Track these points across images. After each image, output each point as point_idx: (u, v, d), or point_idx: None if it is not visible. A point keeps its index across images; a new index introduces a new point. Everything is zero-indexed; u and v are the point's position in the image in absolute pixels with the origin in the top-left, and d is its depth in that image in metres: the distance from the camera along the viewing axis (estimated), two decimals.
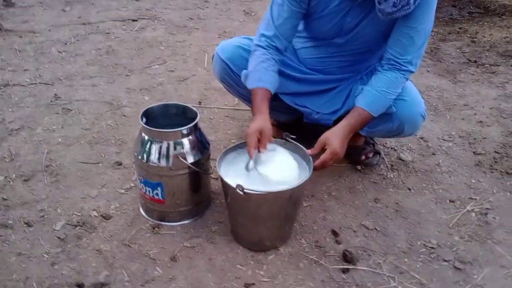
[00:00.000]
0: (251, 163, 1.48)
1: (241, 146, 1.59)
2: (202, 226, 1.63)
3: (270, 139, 1.54)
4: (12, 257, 1.47)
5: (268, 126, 1.54)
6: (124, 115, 2.30)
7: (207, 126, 2.23)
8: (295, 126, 1.98)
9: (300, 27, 1.79)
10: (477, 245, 1.59)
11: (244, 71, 1.69)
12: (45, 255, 1.48)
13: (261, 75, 1.62)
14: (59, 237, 1.55)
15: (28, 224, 1.60)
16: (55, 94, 2.46)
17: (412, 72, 1.63)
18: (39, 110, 2.32)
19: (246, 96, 1.89)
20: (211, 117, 2.32)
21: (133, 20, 3.55)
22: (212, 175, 1.75)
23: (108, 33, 3.30)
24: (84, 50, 3.02)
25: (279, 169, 1.50)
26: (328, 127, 1.66)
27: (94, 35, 3.26)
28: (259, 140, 1.51)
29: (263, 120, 1.54)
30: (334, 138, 1.55)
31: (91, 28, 3.38)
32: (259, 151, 1.51)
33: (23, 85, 2.56)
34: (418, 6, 1.50)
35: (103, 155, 1.99)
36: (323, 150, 1.55)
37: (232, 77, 1.82)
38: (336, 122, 1.68)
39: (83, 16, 3.61)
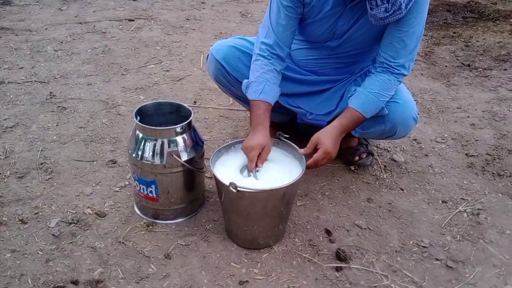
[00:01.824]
0: (250, 175, 1.51)
1: (235, 144, 1.61)
2: (196, 224, 1.64)
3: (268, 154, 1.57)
4: (7, 254, 1.47)
5: (270, 143, 1.56)
6: (119, 114, 2.30)
7: (202, 125, 2.24)
8: (288, 126, 2.00)
9: None
10: (469, 245, 1.61)
11: (245, 81, 1.68)
12: (39, 252, 1.48)
13: (264, 88, 1.62)
14: (53, 234, 1.55)
15: (23, 221, 1.60)
16: (50, 92, 2.46)
17: (405, 75, 1.64)
18: (34, 108, 2.32)
19: (240, 96, 1.90)
20: (206, 117, 2.33)
21: (130, 20, 3.56)
22: (206, 174, 1.76)
23: (105, 32, 3.31)
24: (80, 49, 3.02)
25: (274, 170, 1.53)
26: (321, 127, 1.68)
27: (90, 34, 3.26)
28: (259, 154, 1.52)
29: (264, 137, 1.55)
30: (326, 138, 1.56)
31: (88, 27, 3.39)
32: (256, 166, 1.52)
33: (19, 83, 2.56)
34: (409, 10, 1.52)
35: (97, 153, 1.99)
36: (315, 149, 1.57)
37: (226, 77, 1.83)
38: (329, 123, 1.69)
39: (79, 15, 3.62)
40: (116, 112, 2.32)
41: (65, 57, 2.91)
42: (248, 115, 2.34)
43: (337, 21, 1.63)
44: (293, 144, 1.58)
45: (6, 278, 1.39)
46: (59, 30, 3.33)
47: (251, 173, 1.50)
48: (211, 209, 1.72)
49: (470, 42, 3.43)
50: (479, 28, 3.71)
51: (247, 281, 1.43)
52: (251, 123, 1.62)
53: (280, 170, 1.52)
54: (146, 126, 1.51)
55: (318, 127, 1.72)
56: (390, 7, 1.47)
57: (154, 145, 1.51)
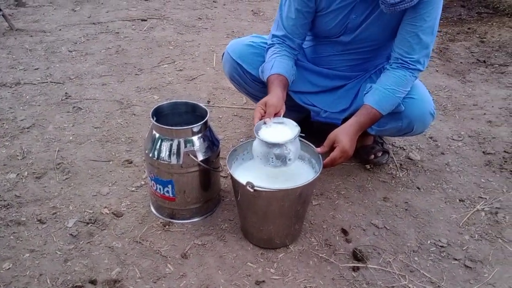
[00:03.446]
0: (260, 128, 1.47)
1: (250, 144, 1.60)
2: (212, 224, 1.64)
3: (278, 112, 1.52)
4: (26, 254, 1.49)
5: (273, 100, 1.52)
6: (134, 114, 2.31)
7: (216, 125, 2.24)
8: (303, 125, 1.99)
9: None
10: (487, 244, 1.59)
11: (260, 67, 1.72)
12: (58, 252, 1.50)
13: (274, 64, 1.65)
14: (71, 234, 1.57)
15: (41, 221, 1.62)
16: (66, 93, 2.49)
17: (420, 70, 1.63)
18: (50, 109, 2.34)
19: (255, 95, 1.90)
20: (220, 116, 2.33)
21: (143, 20, 3.58)
22: (221, 173, 1.76)
23: (118, 32, 3.33)
24: (94, 50, 3.04)
25: (278, 134, 1.48)
26: (336, 126, 1.66)
27: (104, 35, 3.29)
28: (265, 113, 1.51)
29: (270, 96, 1.55)
30: (344, 136, 1.55)
31: (101, 27, 3.41)
32: (265, 123, 1.49)
33: (34, 84, 2.58)
34: (424, 5, 1.50)
35: (113, 153, 2.01)
36: (332, 148, 1.55)
37: (242, 76, 1.83)
38: (344, 121, 1.68)
39: (93, 16, 3.65)
40: (131, 112, 2.33)
41: (79, 58, 2.93)
42: None
43: (349, 13, 1.62)
44: (309, 143, 1.57)
45: (25, 277, 1.41)
46: (72, 30, 3.36)
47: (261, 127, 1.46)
48: (227, 209, 1.72)
49: (485, 38, 3.38)
50: (494, 23, 3.65)
51: (263, 281, 1.43)
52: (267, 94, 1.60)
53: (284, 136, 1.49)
54: (163, 126, 1.52)
55: (333, 126, 1.72)
56: None
57: (171, 145, 1.52)
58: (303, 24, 1.68)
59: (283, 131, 1.48)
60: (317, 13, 1.67)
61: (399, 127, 1.73)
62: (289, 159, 1.44)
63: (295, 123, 1.50)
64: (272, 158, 1.43)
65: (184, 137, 1.52)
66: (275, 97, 1.55)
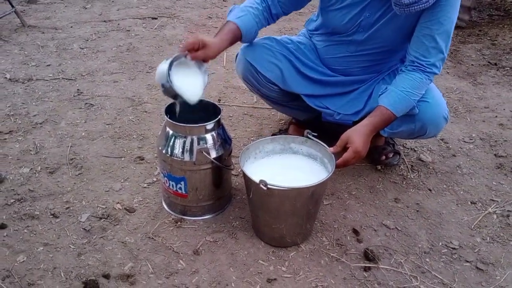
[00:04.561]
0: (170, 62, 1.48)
1: (263, 143, 1.61)
2: (224, 221, 1.65)
3: (205, 58, 1.56)
4: (40, 247, 1.50)
5: (214, 44, 1.55)
6: (146, 111, 2.33)
7: (226, 123, 2.25)
8: (314, 124, 1.99)
9: (319, 22, 1.80)
10: (499, 247, 1.59)
11: (231, 6, 1.74)
12: (71, 246, 1.51)
13: (244, 16, 1.66)
14: (84, 229, 1.58)
15: (54, 215, 1.63)
16: (78, 89, 2.51)
17: (436, 74, 1.62)
18: (62, 105, 2.36)
19: (268, 96, 1.90)
20: (230, 115, 2.34)
21: (153, 18, 3.59)
22: (232, 172, 1.77)
23: (129, 30, 3.34)
24: (105, 47, 3.06)
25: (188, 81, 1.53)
26: (347, 126, 1.66)
27: (115, 32, 3.30)
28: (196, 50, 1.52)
29: (212, 39, 1.56)
30: (357, 137, 1.54)
31: (112, 25, 3.43)
32: (185, 57, 1.51)
33: (46, 80, 2.60)
34: (441, 7, 1.50)
35: (125, 150, 2.02)
36: (345, 148, 1.55)
37: (255, 77, 1.83)
38: (356, 122, 1.68)
39: (103, 13, 3.67)
40: (142, 109, 2.34)
41: (90, 55, 2.95)
42: (273, 113, 2.35)
43: (362, 11, 1.62)
44: (321, 143, 1.57)
45: (39, 270, 1.42)
46: (84, 28, 3.38)
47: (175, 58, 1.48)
48: (238, 207, 1.72)
49: (496, 40, 3.37)
50: (505, 26, 3.64)
51: (275, 279, 1.43)
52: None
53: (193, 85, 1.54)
54: (177, 123, 1.52)
55: (344, 126, 1.72)
56: None
57: (184, 142, 1.53)
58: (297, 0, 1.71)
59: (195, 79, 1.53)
60: (329, 7, 1.68)
61: (411, 130, 1.73)
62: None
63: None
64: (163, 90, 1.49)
65: (198, 135, 1.53)
66: (217, 44, 1.57)
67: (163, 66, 1.48)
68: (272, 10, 1.71)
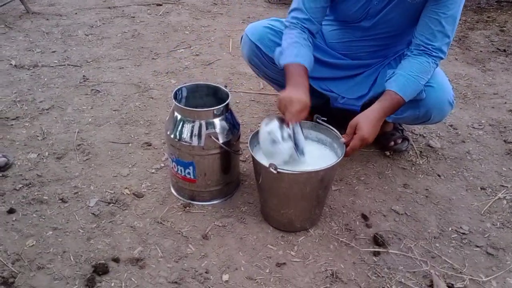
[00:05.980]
0: (288, 135, 1.41)
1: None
2: (232, 206, 1.65)
3: (303, 113, 1.47)
4: (49, 231, 1.50)
5: (299, 94, 1.45)
6: (152, 97, 2.31)
7: (233, 110, 2.22)
8: (323, 110, 1.97)
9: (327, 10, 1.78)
10: (509, 232, 1.58)
11: (278, 48, 1.66)
12: (80, 230, 1.51)
13: (299, 52, 1.58)
14: (93, 213, 1.58)
15: (63, 200, 1.63)
16: (84, 76, 2.49)
17: (442, 58, 1.60)
18: (68, 91, 2.35)
19: (274, 78, 1.88)
20: (237, 101, 2.32)
21: (158, 5, 3.56)
22: (240, 157, 1.76)
23: (134, 17, 3.32)
24: (110, 34, 3.04)
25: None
26: (355, 113, 1.64)
27: (119, 19, 3.28)
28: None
29: (306, 94, 1.47)
30: (364, 123, 1.51)
31: (117, 12, 3.41)
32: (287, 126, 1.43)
33: (52, 66, 2.59)
34: None
35: (132, 136, 2.01)
36: (355, 134, 1.53)
37: (260, 58, 1.81)
38: (363, 108, 1.66)
39: (108, 0, 3.63)
40: (148, 95, 2.33)
41: (96, 41, 2.93)
42: None
43: None
44: (331, 127, 1.56)
45: (49, 254, 1.42)
46: (88, 14, 3.36)
47: (289, 132, 1.41)
48: (246, 192, 1.72)
49: (505, 26, 3.32)
50: None
51: (284, 263, 1.43)
52: (288, 83, 1.53)
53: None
54: (185, 107, 1.51)
55: (352, 112, 1.70)
56: None
57: (193, 127, 1.52)
58: (323, 7, 1.65)
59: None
60: None
61: (416, 115, 1.71)
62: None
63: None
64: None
65: (206, 119, 1.52)
66: (302, 91, 1.47)
67: (286, 145, 1.40)
68: (313, 31, 1.67)
